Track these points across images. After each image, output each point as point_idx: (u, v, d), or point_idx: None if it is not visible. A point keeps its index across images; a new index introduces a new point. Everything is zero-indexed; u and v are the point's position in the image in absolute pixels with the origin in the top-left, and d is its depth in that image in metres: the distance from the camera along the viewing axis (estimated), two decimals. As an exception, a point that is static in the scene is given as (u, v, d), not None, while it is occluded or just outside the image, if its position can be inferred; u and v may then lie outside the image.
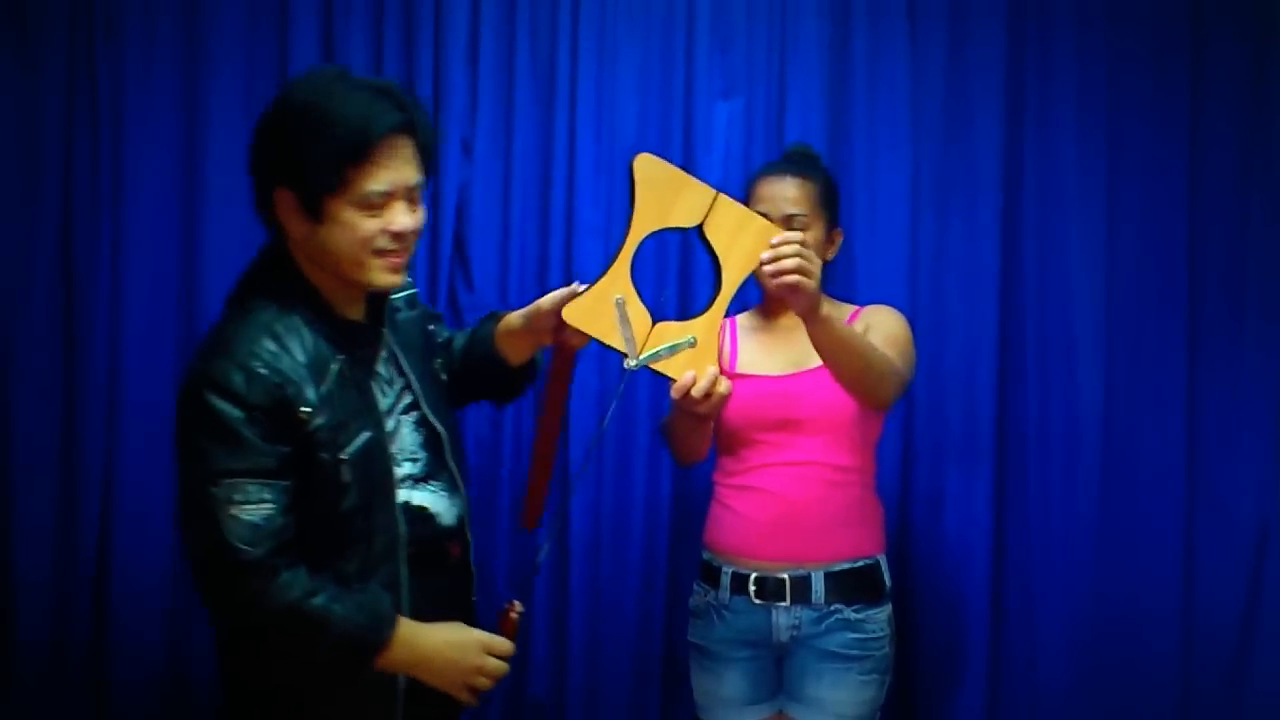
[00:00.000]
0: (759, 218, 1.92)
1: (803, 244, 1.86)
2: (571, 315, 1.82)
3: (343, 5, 2.66)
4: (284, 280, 1.70)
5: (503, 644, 1.74)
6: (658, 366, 1.85)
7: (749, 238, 1.86)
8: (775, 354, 2.25)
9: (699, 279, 2.62)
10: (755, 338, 2.30)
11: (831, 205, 2.27)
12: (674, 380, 1.87)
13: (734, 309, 2.45)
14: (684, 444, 2.22)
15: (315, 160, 1.60)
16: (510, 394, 2.00)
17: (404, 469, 1.73)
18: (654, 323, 1.86)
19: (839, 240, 2.30)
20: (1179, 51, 2.59)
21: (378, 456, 1.69)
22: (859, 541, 2.21)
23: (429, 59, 2.67)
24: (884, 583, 2.22)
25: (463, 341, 1.96)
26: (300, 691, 1.68)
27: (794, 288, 1.85)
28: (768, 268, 1.85)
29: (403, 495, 1.71)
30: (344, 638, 1.61)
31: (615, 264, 1.84)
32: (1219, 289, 2.60)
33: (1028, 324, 2.64)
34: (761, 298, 2.33)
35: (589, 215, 2.67)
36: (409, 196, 1.68)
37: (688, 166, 2.56)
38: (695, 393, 1.84)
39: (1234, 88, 2.58)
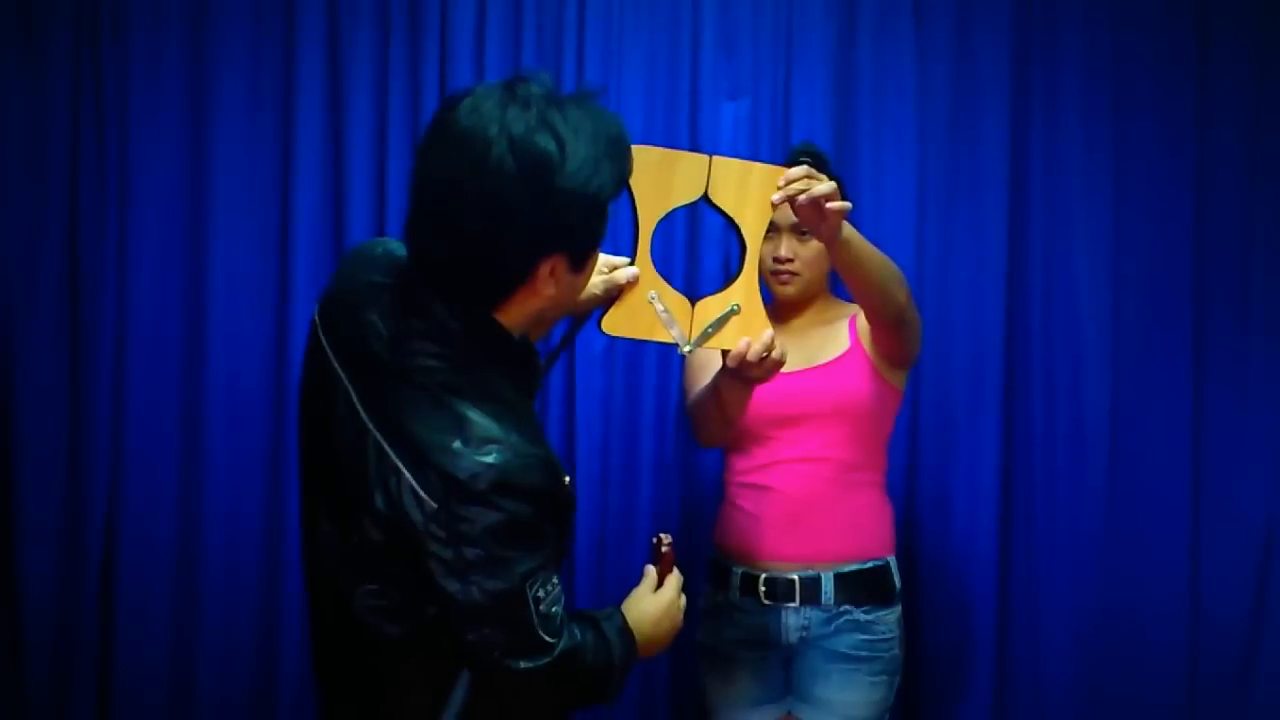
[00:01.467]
0: (758, 165, 1.89)
1: (809, 175, 1.83)
2: (614, 326, 1.81)
3: (348, 6, 2.66)
4: (498, 352, 1.50)
5: (677, 579, 1.73)
6: (712, 344, 1.83)
7: (755, 188, 1.84)
8: (789, 350, 2.25)
9: (704, 249, 2.63)
10: None
11: None
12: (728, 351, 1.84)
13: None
14: (722, 417, 2.12)
15: (600, 219, 1.48)
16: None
17: None
18: (693, 302, 1.84)
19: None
20: (1185, 52, 2.61)
21: None
22: (869, 542, 2.20)
23: (435, 61, 2.67)
24: (894, 584, 2.22)
25: None
26: None
27: (824, 215, 1.82)
28: (801, 199, 1.81)
29: None
30: (621, 674, 1.57)
31: (636, 262, 1.82)
32: (1225, 288, 2.61)
33: (1033, 325, 2.65)
34: (770, 297, 2.33)
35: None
36: None
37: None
38: (751, 356, 1.82)
39: (1239, 88, 2.59)
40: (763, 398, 2.18)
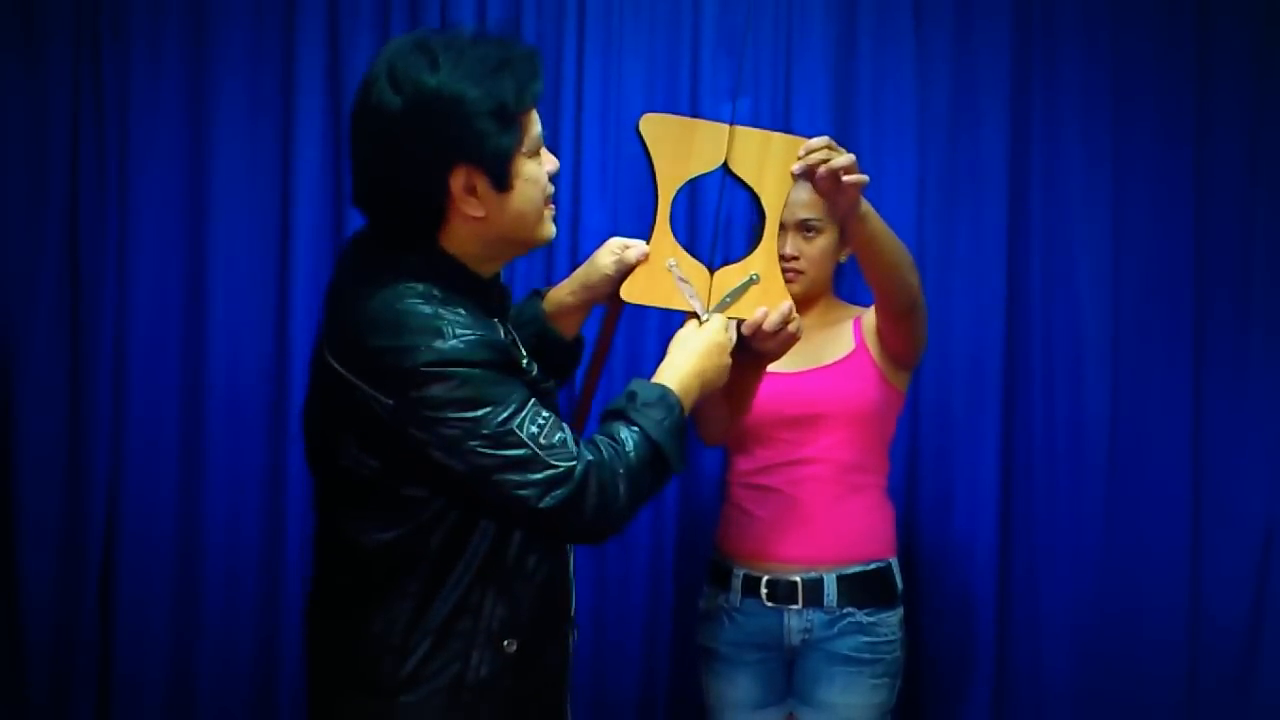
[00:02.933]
0: (778, 135, 1.88)
1: (829, 146, 1.82)
2: (631, 294, 1.81)
3: (349, 5, 2.66)
4: (433, 271, 1.57)
5: (722, 318, 1.78)
6: (730, 313, 1.82)
7: (776, 158, 1.83)
8: (793, 351, 2.24)
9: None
10: None
11: None
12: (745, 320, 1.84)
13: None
14: (728, 405, 2.11)
15: (493, 121, 1.51)
16: (569, 371, 1.96)
17: None
18: (712, 271, 1.84)
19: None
20: (1184, 51, 2.61)
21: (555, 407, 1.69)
22: (871, 544, 2.20)
23: (435, 60, 2.67)
24: (896, 586, 2.22)
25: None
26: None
27: (842, 188, 1.82)
28: (821, 171, 1.81)
29: None
30: (674, 441, 1.59)
31: (655, 230, 1.82)
32: (1225, 289, 2.61)
33: (1034, 325, 2.65)
34: None
35: (595, 216, 2.67)
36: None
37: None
38: (768, 326, 1.80)
39: (1240, 87, 2.59)
40: (765, 398, 2.19)
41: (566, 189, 2.67)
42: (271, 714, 2.64)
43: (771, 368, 2.23)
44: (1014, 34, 2.64)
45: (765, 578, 2.17)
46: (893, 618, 2.20)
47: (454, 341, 1.48)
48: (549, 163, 1.63)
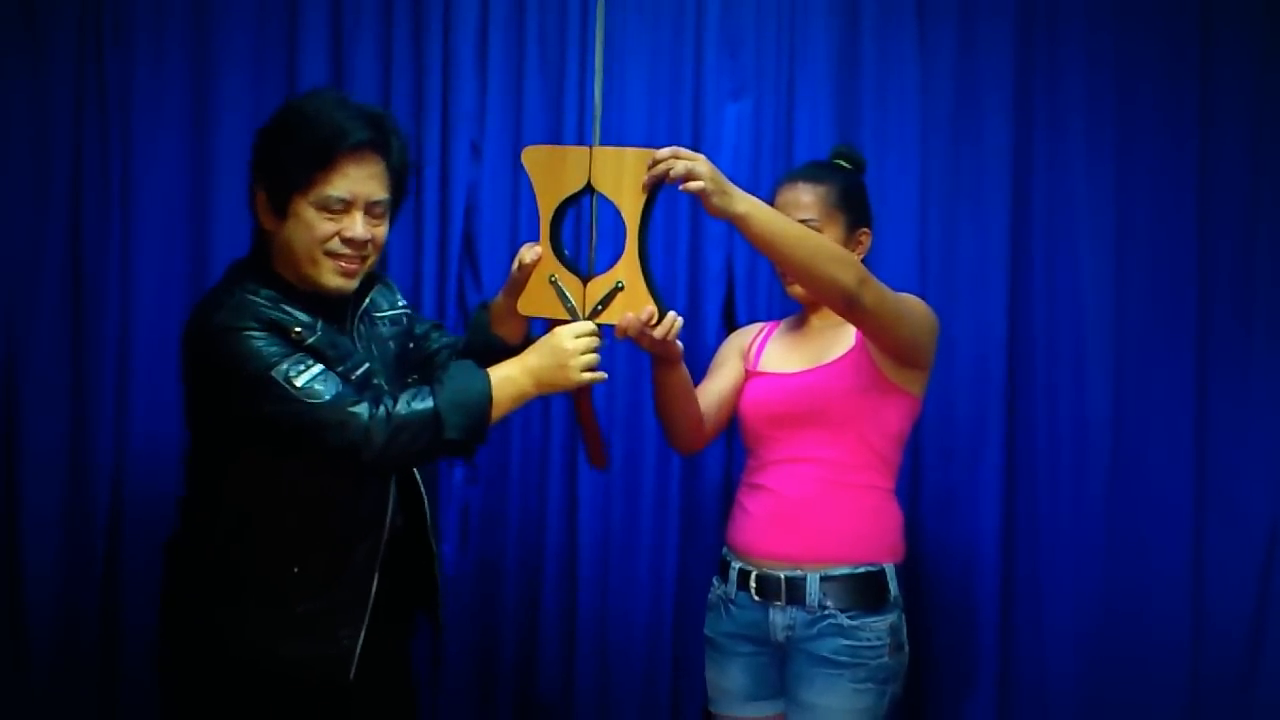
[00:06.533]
0: (632, 150, 1.95)
1: (674, 155, 1.86)
2: (524, 306, 2.01)
3: (352, 6, 2.67)
4: (263, 272, 1.89)
5: (583, 325, 1.94)
6: (601, 320, 1.96)
7: (630, 170, 1.92)
8: (795, 352, 2.25)
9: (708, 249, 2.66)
10: (784, 339, 2.31)
11: (852, 206, 2.23)
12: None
13: (765, 315, 2.47)
14: (669, 412, 2.18)
15: (286, 160, 1.82)
16: None
17: None
18: (584, 283, 1.96)
19: (866, 241, 2.26)
20: (1188, 52, 2.60)
21: (374, 386, 1.89)
22: (862, 547, 2.16)
23: (438, 61, 2.68)
24: (888, 591, 2.16)
25: (464, 341, 2.10)
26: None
27: (695, 192, 1.86)
28: (667, 180, 1.87)
29: None
30: (458, 413, 1.83)
31: (540, 247, 1.98)
32: (1228, 288, 2.61)
33: (1037, 326, 2.65)
34: (799, 305, 2.33)
35: (601, 217, 2.66)
36: (370, 210, 1.87)
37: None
38: (632, 331, 1.92)
39: (1243, 88, 2.59)
40: (766, 398, 2.21)
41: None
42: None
43: (773, 367, 2.24)
44: (1017, 33, 2.64)
45: (755, 573, 2.18)
46: (880, 623, 2.14)
47: (229, 310, 1.81)
48: (350, 229, 1.85)
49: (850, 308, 2.02)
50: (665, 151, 1.88)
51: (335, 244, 1.85)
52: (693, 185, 1.85)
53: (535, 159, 2.02)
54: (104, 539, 2.62)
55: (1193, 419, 2.60)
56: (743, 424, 2.27)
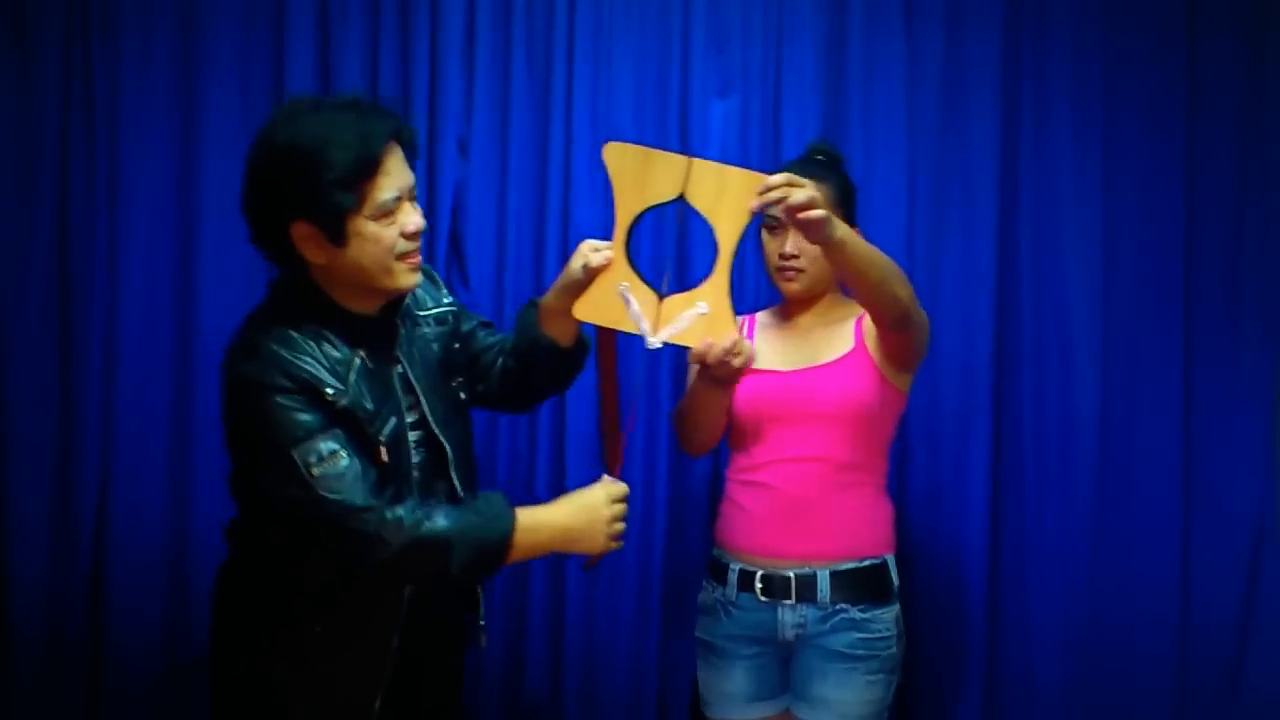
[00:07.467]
0: (736, 170, 1.91)
1: (789, 183, 1.84)
2: (581, 312, 1.89)
3: (338, 5, 2.66)
4: (300, 304, 1.78)
5: (619, 488, 1.87)
6: (675, 340, 1.87)
7: (732, 192, 1.86)
8: (789, 350, 2.25)
9: (695, 251, 2.61)
10: (772, 334, 2.30)
11: (848, 205, 2.25)
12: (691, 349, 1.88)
13: (752, 307, 2.46)
14: (701, 422, 2.17)
15: (329, 186, 1.68)
16: (568, 376, 2.04)
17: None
18: (660, 299, 1.87)
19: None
20: (1175, 50, 2.59)
21: (403, 442, 1.81)
22: (866, 541, 2.20)
23: (425, 58, 2.67)
24: (891, 583, 2.22)
25: (511, 340, 2.01)
26: (287, 678, 1.80)
27: (805, 222, 1.84)
28: (779, 208, 1.84)
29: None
30: (470, 548, 1.73)
31: (612, 254, 1.87)
32: (1215, 286, 2.60)
33: (1024, 322, 2.64)
34: (780, 298, 2.33)
35: (585, 214, 2.67)
36: (411, 196, 1.78)
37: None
38: (711, 359, 1.85)
39: (1230, 84, 2.58)
40: (763, 396, 2.20)
41: (556, 187, 2.67)
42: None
43: (770, 365, 2.23)
44: (1004, 31, 2.63)
45: (760, 573, 2.18)
46: (887, 614, 2.20)
47: (258, 363, 1.71)
48: (409, 223, 1.76)
49: (904, 324, 2.08)
50: (779, 178, 1.84)
51: (402, 244, 1.76)
52: (813, 214, 1.82)
53: (620, 158, 1.91)
54: (90, 540, 2.63)
55: (1180, 416, 2.59)
56: (736, 421, 2.24)
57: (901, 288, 2.05)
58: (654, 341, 1.86)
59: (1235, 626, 2.55)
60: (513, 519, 1.77)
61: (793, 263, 2.21)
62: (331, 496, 1.68)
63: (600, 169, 2.63)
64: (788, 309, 2.31)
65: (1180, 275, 2.60)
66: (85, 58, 2.62)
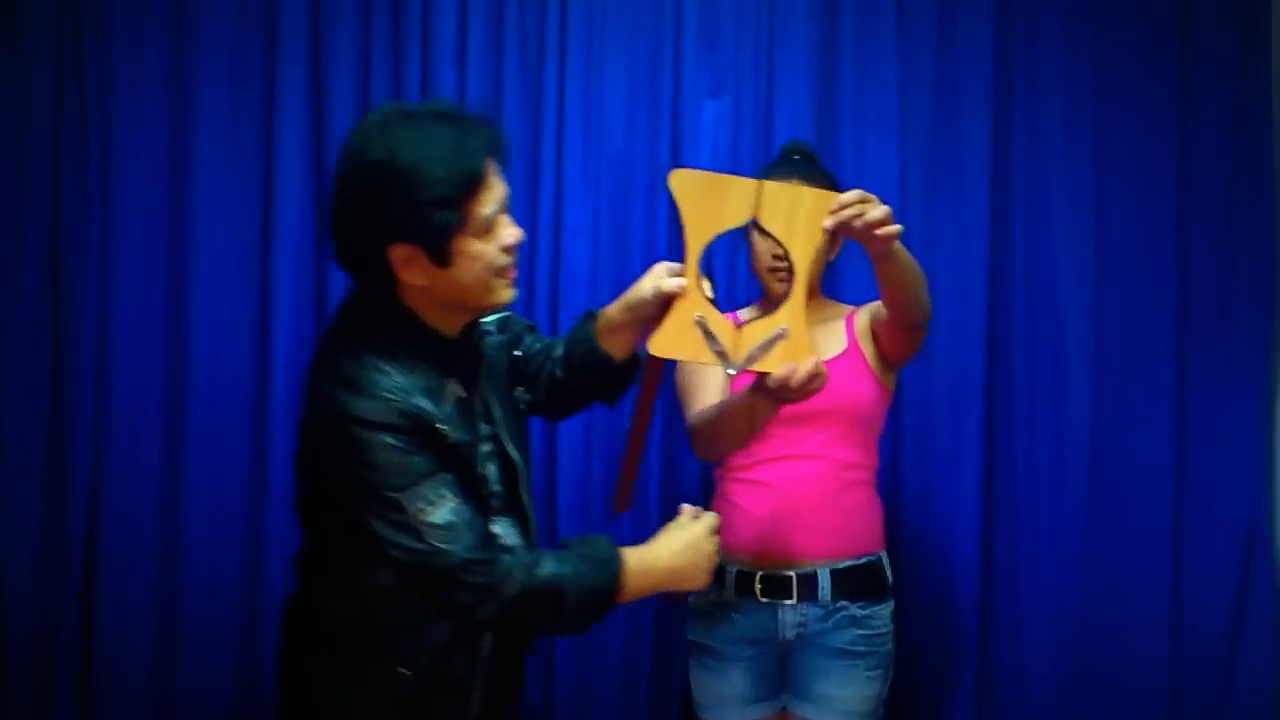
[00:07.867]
0: (808, 190, 1.89)
1: (863, 199, 1.82)
2: (658, 348, 1.84)
3: (330, 6, 2.66)
4: (390, 329, 1.69)
5: (713, 519, 1.82)
6: (757, 367, 1.84)
7: (805, 213, 1.83)
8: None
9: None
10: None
11: None
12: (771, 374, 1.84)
13: (733, 305, 2.46)
14: (744, 437, 2.12)
15: (431, 206, 1.59)
16: (619, 391, 1.97)
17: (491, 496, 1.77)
18: (739, 328, 1.84)
19: (842, 239, 2.28)
20: (1167, 48, 2.60)
21: (480, 475, 1.74)
22: (863, 539, 2.21)
23: (417, 59, 2.67)
24: (887, 579, 2.24)
25: (562, 348, 1.94)
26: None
27: (881, 238, 1.83)
28: (857, 224, 1.81)
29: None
30: (581, 595, 1.66)
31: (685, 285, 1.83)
32: (1207, 286, 2.61)
33: (1015, 322, 2.64)
34: (760, 294, 2.32)
35: (577, 215, 2.67)
36: (507, 208, 1.70)
37: (676, 165, 2.56)
38: (794, 383, 1.82)
39: (1222, 85, 2.59)
40: None
41: (548, 187, 2.67)
42: (253, 711, 2.65)
43: (760, 365, 2.22)
44: (996, 32, 2.63)
45: (759, 573, 2.18)
46: (884, 610, 2.21)
47: (369, 401, 1.60)
48: (507, 236, 1.68)
49: (921, 328, 2.12)
50: (853, 195, 1.82)
51: (502, 259, 1.68)
52: (890, 230, 1.82)
53: (687, 185, 1.84)
54: (82, 540, 2.62)
55: (1171, 417, 2.60)
56: None
57: (926, 293, 2.08)
58: (734, 371, 1.83)
59: (1227, 626, 2.56)
60: (620, 562, 1.70)
61: (783, 264, 2.21)
62: (443, 547, 1.59)
63: (591, 170, 2.67)
64: (766, 308, 2.29)
65: (1172, 275, 2.60)
66: (77, 58, 2.62)
